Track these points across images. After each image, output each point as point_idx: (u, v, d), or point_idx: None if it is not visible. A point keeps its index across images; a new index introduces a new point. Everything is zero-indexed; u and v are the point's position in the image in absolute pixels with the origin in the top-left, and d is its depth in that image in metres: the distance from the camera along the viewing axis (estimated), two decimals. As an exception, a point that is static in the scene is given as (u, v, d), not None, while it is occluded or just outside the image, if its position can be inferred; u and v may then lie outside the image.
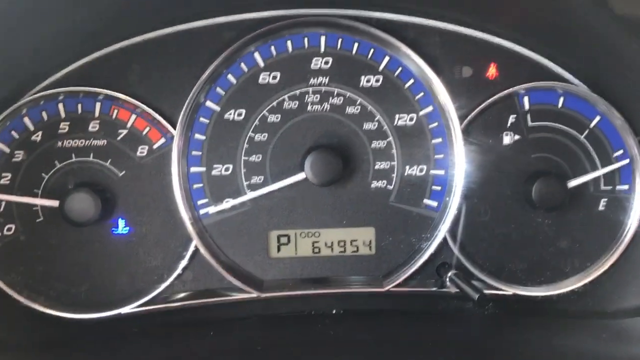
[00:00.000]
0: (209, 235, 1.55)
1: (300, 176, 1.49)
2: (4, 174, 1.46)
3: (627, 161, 1.53)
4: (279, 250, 1.56)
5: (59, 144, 1.49)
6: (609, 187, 1.56)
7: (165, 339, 1.43)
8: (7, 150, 1.45)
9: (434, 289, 1.54)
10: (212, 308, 1.55)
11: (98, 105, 1.49)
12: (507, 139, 1.55)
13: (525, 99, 1.54)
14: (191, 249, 1.51)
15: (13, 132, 1.46)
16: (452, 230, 1.54)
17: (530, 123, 1.55)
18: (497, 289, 1.54)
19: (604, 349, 1.29)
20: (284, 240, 1.56)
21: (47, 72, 1.46)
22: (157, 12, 1.45)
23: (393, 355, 1.19)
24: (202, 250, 1.51)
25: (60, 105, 1.48)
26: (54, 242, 1.49)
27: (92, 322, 1.49)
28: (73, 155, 1.49)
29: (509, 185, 1.55)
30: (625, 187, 1.55)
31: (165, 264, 1.53)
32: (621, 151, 1.53)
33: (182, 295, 1.55)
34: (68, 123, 1.49)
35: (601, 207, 1.56)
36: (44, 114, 1.48)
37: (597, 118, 1.54)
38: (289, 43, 1.50)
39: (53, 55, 1.43)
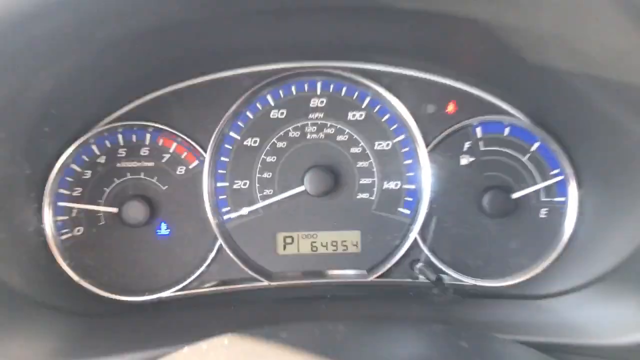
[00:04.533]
0: (230, 236, 1.68)
1: (301, 189, 1.63)
2: (75, 188, 1.61)
3: (561, 177, 1.64)
4: (284, 248, 1.69)
5: (118, 165, 1.63)
6: (548, 199, 1.67)
7: (196, 316, 1.53)
8: (79, 170, 1.60)
9: (408, 279, 1.68)
10: (232, 293, 1.67)
11: (148, 135, 1.64)
12: (464, 160, 1.68)
13: (478, 129, 1.66)
14: (217, 247, 1.66)
15: (84, 156, 1.61)
16: (422, 233, 1.67)
17: (482, 148, 1.67)
18: (458, 280, 1.67)
19: (535, 318, 1.46)
20: (288, 240, 1.69)
21: (110, 111, 1.62)
22: (195, 66, 1.59)
23: (372, 325, 1.27)
24: (225, 247, 1.65)
25: (120, 136, 1.63)
26: (112, 240, 1.63)
27: (139, 304, 1.63)
28: (128, 173, 1.63)
29: (466, 197, 1.67)
30: (562, 199, 1.66)
31: (196, 258, 1.66)
32: (557, 170, 1.65)
33: (209, 283, 1.68)
34: (125, 149, 1.63)
35: (542, 215, 1.67)
36: (107, 142, 1.62)
37: (537, 144, 1.66)
38: (293, 87, 1.65)
39: (114, 98, 1.61)
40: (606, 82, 1.22)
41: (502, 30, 1.19)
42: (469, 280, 1.68)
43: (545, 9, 1.00)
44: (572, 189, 1.65)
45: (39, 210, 1.56)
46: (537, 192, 1.68)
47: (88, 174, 1.64)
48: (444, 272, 1.68)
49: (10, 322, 1.29)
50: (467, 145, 1.69)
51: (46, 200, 1.57)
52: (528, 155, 1.68)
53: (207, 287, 1.69)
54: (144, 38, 1.18)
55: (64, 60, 1.17)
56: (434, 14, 1.13)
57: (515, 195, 1.66)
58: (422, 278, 1.64)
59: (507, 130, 1.68)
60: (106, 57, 1.27)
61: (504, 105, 1.67)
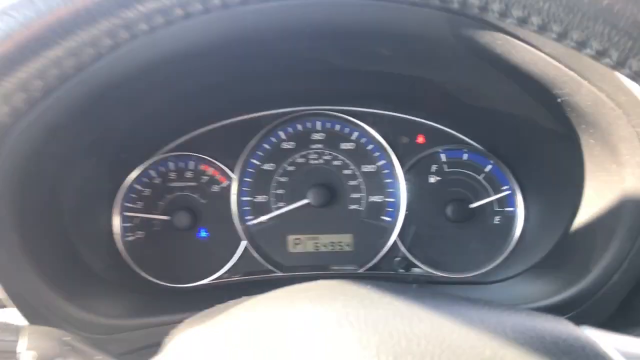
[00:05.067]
0: (253, 238, 1.92)
1: (306, 201, 1.88)
2: (138, 202, 1.89)
3: (509, 192, 1.91)
4: (294, 247, 1.93)
5: (169, 184, 1.89)
6: (501, 209, 1.91)
7: (225, 297, 1.56)
8: (140, 188, 1.87)
9: (391, 271, 1.91)
10: (254, 281, 1.89)
11: (192, 162, 1.89)
12: (432, 179, 1.94)
13: (443, 155, 1.92)
14: (242, 246, 1.90)
15: (144, 178, 1.88)
16: (401, 236, 1.91)
17: (446, 169, 1.92)
18: (430, 272, 1.91)
19: (481, 294, 1.73)
20: (297, 241, 1.93)
21: (164, 144, 1.90)
22: (225, 112, 1.89)
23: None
24: (249, 247, 1.90)
25: (171, 163, 1.89)
26: (164, 241, 1.89)
27: (183, 289, 1.88)
28: (176, 191, 1.90)
29: (434, 207, 1.91)
30: (511, 209, 1.91)
31: (227, 255, 1.90)
32: (507, 186, 1.92)
33: (237, 274, 1.92)
34: (174, 173, 1.89)
35: (496, 222, 1.92)
36: (161, 168, 1.89)
37: (490, 166, 1.92)
38: (299, 125, 1.92)
39: (168, 136, 1.90)
40: (515, 117, 1.68)
41: (438, 82, 1.67)
42: (438, 273, 1.92)
43: (453, 69, 1.46)
44: (519, 201, 1.93)
45: (111, 217, 1.91)
46: (491, 203, 1.93)
47: (147, 191, 1.91)
48: (418, 266, 1.93)
49: (90, 291, 1.71)
50: (434, 167, 1.94)
51: (116, 211, 1.89)
52: (483, 174, 1.94)
53: (235, 277, 1.94)
54: (196, 97, 1.66)
55: (137, 112, 1.62)
56: (388, 73, 1.62)
57: (473, 206, 1.91)
58: (400, 270, 1.92)
59: (465, 156, 1.94)
60: (163, 110, 1.60)
61: (463, 136, 1.94)
